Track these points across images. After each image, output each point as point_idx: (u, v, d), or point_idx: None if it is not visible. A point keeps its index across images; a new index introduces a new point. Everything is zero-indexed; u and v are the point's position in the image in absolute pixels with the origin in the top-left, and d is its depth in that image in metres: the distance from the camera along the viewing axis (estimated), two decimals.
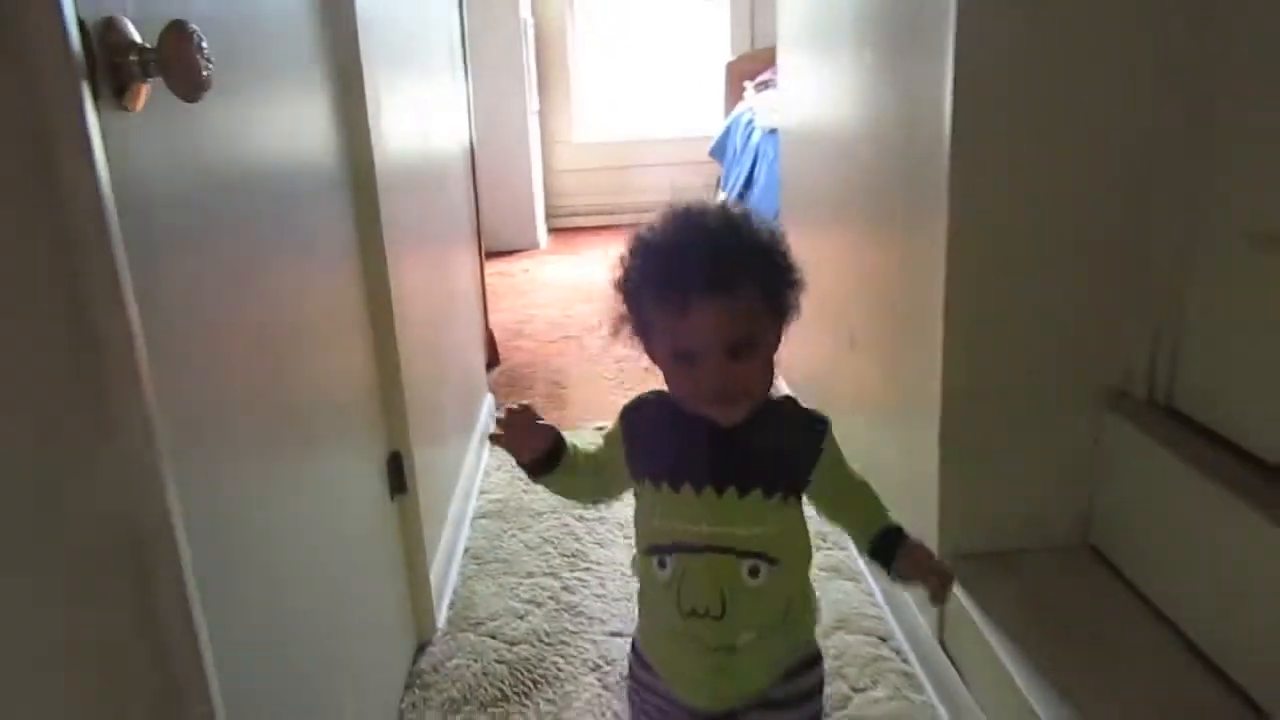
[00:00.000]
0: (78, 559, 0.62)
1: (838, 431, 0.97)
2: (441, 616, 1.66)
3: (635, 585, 1.02)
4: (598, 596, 1.73)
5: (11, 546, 0.56)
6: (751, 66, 4.86)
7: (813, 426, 0.97)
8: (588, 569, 1.82)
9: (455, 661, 1.56)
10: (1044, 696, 1.13)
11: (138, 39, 0.66)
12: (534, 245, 4.92)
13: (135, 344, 0.63)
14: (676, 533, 0.94)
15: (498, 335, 3.02)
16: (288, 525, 1.00)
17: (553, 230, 5.31)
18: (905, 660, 1.50)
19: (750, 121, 4.23)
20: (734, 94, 4.97)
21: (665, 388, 0.94)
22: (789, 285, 0.92)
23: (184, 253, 0.77)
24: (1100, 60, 1.25)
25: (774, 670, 1.00)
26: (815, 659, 1.04)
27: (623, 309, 0.93)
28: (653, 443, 0.97)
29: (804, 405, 1.00)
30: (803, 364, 2.24)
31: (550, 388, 2.77)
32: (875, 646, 1.53)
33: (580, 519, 1.99)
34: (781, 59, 2.61)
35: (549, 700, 1.47)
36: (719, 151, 4.71)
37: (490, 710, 1.45)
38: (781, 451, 0.95)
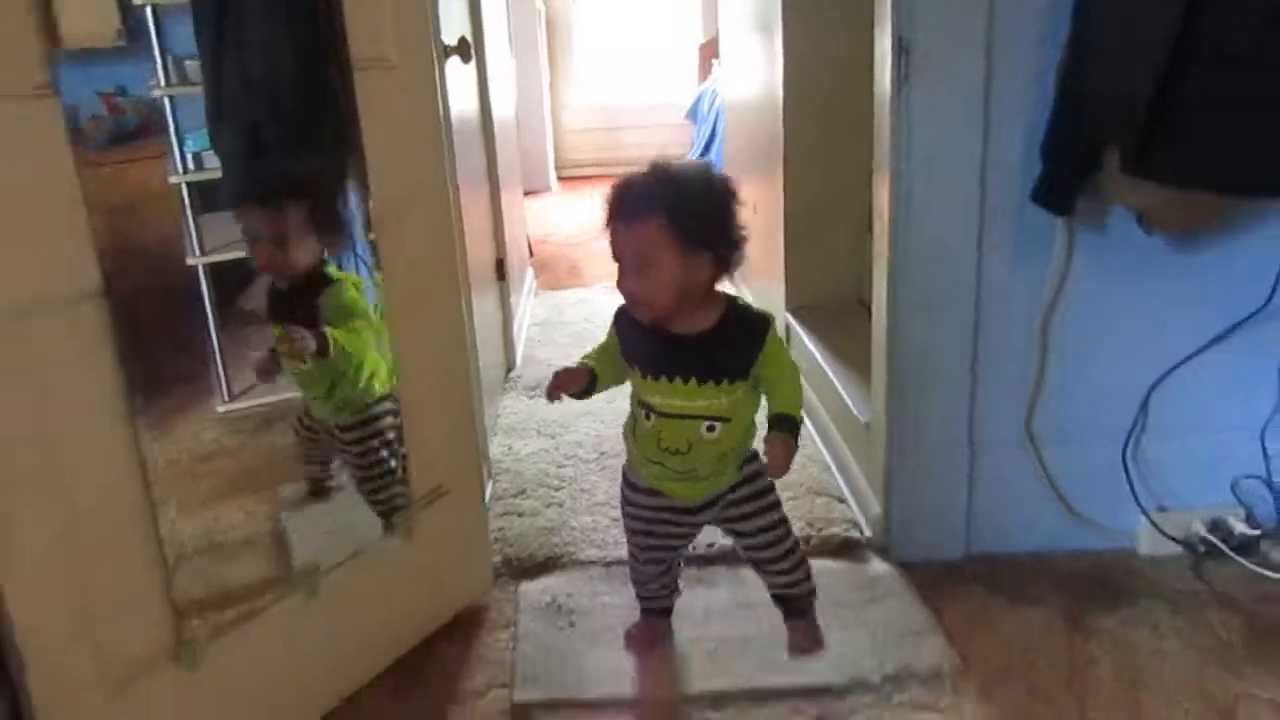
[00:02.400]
0: None
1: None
2: (519, 354, 3.03)
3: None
4: None
5: None
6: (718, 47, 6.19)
7: (755, 329, 1.33)
8: None
9: (529, 374, 2.92)
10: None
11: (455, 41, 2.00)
12: (546, 188, 6.26)
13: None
14: (655, 404, 1.34)
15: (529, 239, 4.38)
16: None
17: (561, 178, 6.64)
18: None
19: (714, 92, 5.55)
20: (704, 69, 6.27)
21: None
22: (701, 225, 1.26)
23: None
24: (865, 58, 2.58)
25: (730, 477, 1.41)
26: (754, 455, 1.44)
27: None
28: (634, 342, 1.37)
29: (753, 309, 1.36)
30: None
31: (570, 265, 4.17)
32: None
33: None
34: (722, 43, 3.96)
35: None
36: (692, 115, 6.02)
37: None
38: (730, 353, 1.32)
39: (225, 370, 1.99)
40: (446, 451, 1.65)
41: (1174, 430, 1.76)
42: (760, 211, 2.90)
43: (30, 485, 1.07)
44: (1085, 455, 1.78)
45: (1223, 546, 1.73)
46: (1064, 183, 1.56)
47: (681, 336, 1.32)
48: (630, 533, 1.52)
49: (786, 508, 1.50)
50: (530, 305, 3.57)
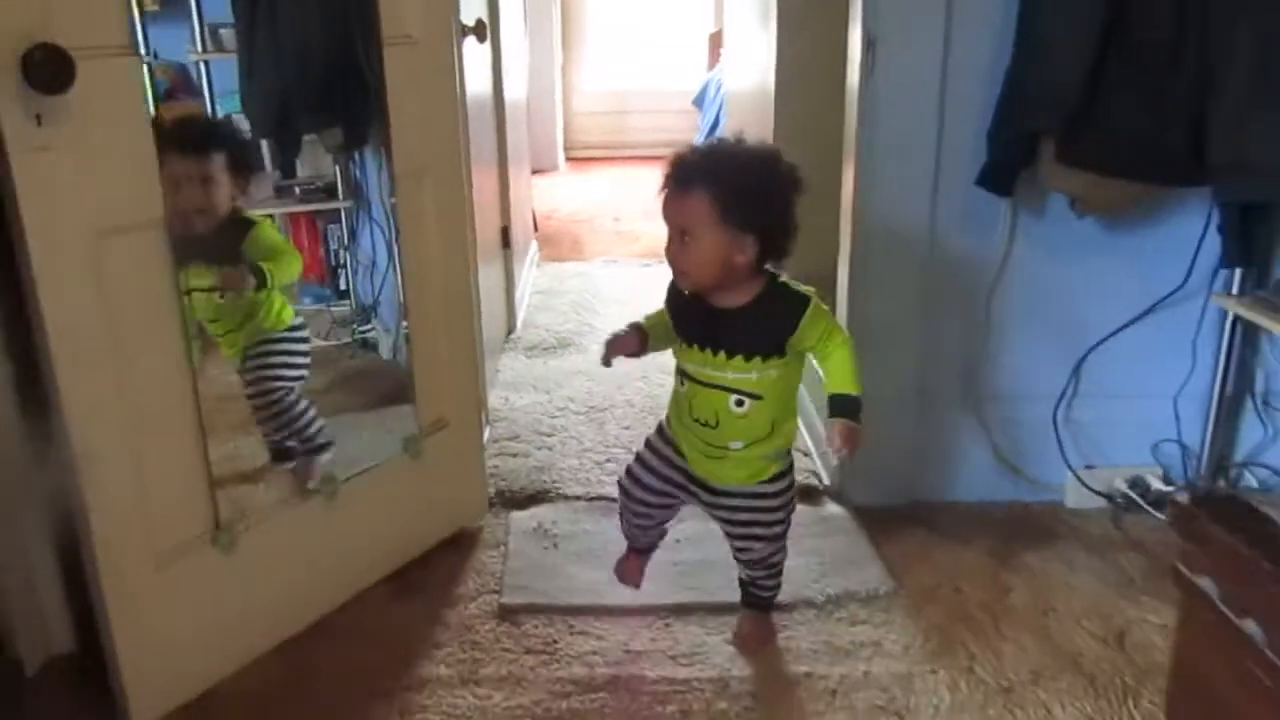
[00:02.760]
0: None
1: None
2: (520, 319, 3.24)
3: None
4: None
5: None
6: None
7: (794, 308, 1.35)
8: (602, 314, 3.39)
9: (528, 336, 3.13)
10: None
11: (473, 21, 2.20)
12: (555, 167, 6.45)
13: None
14: (689, 370, 1.40)
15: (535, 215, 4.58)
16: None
17: (569, 159, 6.83)
18: None
19: (720, 80, 5.74)
20: (714, 58, 6.45)
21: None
22: (746, 205, 1.28)
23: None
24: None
25: (762, 464, 1.42)
26: (789, 468, 1.46)
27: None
28: (677, 309, 1.42)
29: (795, 288, 1.38)
30: None
31: (573, 240, 4.38)
32: None
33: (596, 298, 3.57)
34: (727, 34, 4.15)
35: (579, 349, 3.02)
36: (699, 102, 6.20)
37: (550, 353, 3.00)
38: (763, 329, 1.34)
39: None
40: (449, 389, 1.85)
41: (1101, 395, 1.97)
42: None
43: (99, 373, 1.28)
44: (1021, 416, 1.98)
45: (1140, 501, 1.93)
46: (1005, 168, 1.76)
47: (719, 309, 1.37)
48: (632, 481, 1.55)
49: None
50: (533, 275, 3.77)
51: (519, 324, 3.24)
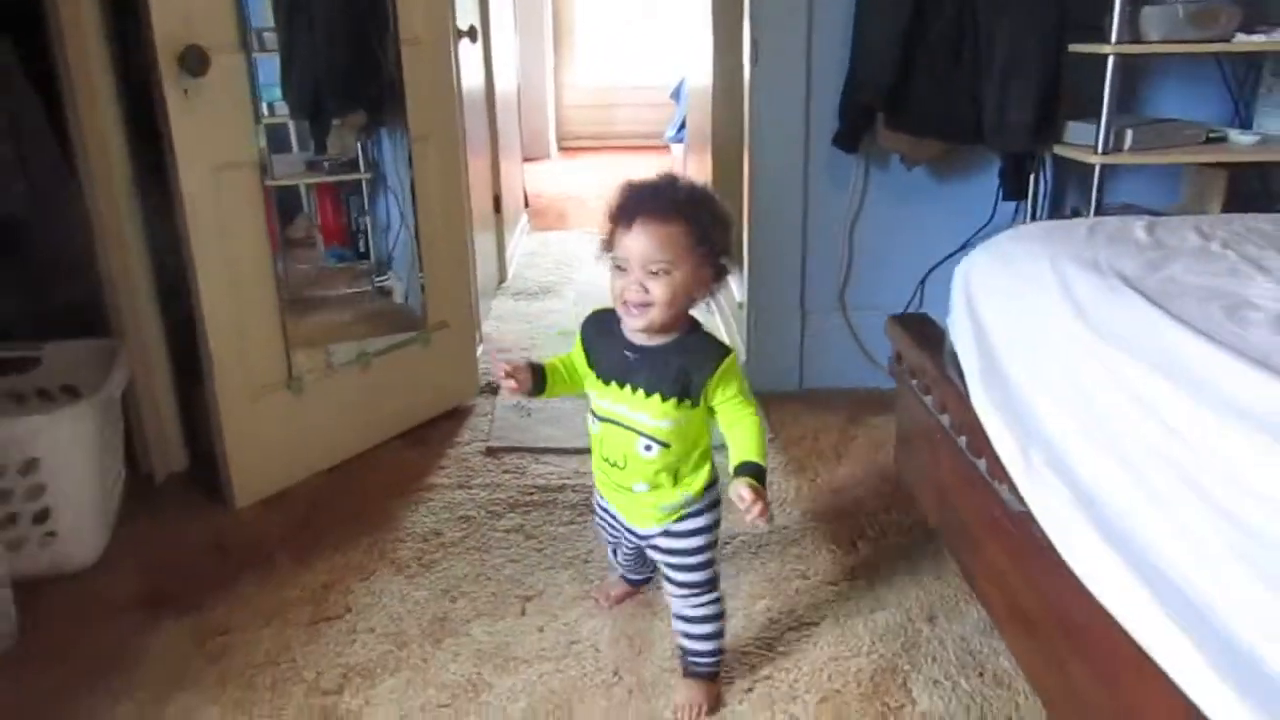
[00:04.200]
0: None
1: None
2: (510, 272, 3.91)
3: None
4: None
5: None
6: None
7: (712, 355, 1.34)
8: (579, 270, 4.06)
9: (516, 284, 3.79)
10: None
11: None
12: (546, 155, 7.13)
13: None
14: (603, 409, 1.40)
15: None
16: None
17: (561, 148, 7.51)
18: None
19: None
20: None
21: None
22: (716, 237, 1.31)
23: None
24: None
25: (663, 514, 1.43)
26: (700, 512, 1.43)
27: (607, 227, 1.33)
28: (599, 349, 1.41)
29: (716, 338, 1.39)
30: None
31: (559, 212, 5.08)
32: None
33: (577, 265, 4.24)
34: (688, 32, 4.80)
35: (558, 295, 3.69)
36: (675, 96, 6.87)
37: (534, 297, 3.67)
38: (682, 369, 1.33)
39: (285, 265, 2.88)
40: (450, 298, 2.52)
41: (938, 307, 2.62)
42: (696, 173, 3.77)
43: (214, 252, 1.95)
44: (879, 320, 2.63)
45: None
46: (850, 133, 2.42)
47: (641, 347, 1.36)
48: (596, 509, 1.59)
49: None
50: (523, 239, 4.45)
51: (509, 275, 3.91)
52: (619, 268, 1.31)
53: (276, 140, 3.35)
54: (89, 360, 1.98)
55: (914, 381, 1.78)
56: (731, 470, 1.33)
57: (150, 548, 1.96)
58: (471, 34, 2.94)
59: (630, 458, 1.39)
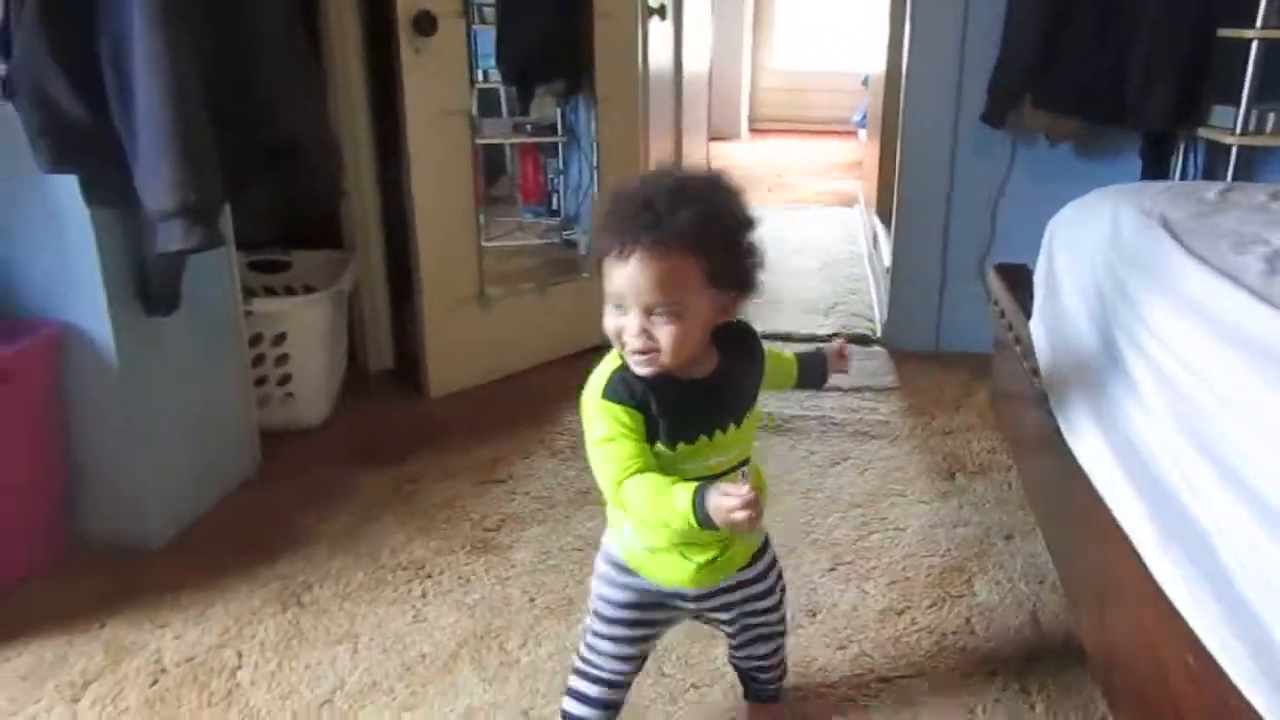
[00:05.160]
0: None
1: None
2: None
3: None
4: None
5: None
6: None
7: (752, 347, 1.17)
8: None
9: None
10: None
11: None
12: (737, 136, 7.43)
13: None
14: (702, 469, 1.09)
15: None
16: None
17: (752, 129, 7.79)
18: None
19: None
20: None
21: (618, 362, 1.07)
22: (732, 255, 1.04)
23: None
24: None
25: (756, 537, 1.23)
26: (766, 541, 1.27)
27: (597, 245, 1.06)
28: (669, 408, 1.05)
29: (733, 322, 1.10)
30: None
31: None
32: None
33: None
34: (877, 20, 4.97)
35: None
36: (865, 83, 7.01)
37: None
38: (745, 378, 1.15)
39: (487, 214, 3.32)
40: None
41: None
42: (868, 155, 3.96)
43: (431, 179, 2.38)
44: None
45: None
46: (998, 110, 2.59)
47: (694, 382, 1.09)
48: (609, 624, 1.23)
49: (848, 310, 2.51)
50: None
51: None
52: (615, 305, 1.04)
53: (488, 104, 3.84)
54: (326, 267, 2.46)
55: (1002, 320, 1.98)
56: (796, 357, 1.31)
57: (362, 419, 2.43)
58: (661, 12, 3.27)
59: None
